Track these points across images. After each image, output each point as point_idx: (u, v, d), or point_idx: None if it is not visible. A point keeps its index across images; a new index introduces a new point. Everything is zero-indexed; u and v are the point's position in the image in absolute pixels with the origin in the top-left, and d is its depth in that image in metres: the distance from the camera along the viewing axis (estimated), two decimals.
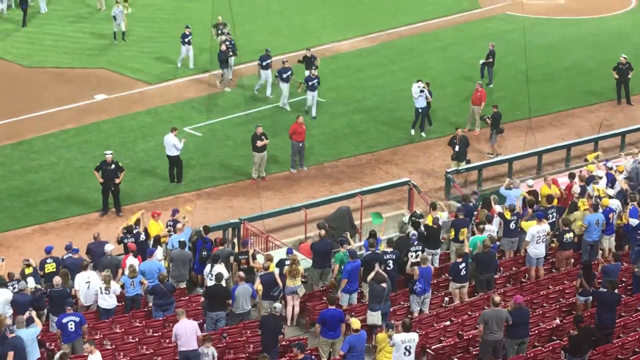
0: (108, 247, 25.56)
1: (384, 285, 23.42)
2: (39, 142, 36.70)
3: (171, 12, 51.79)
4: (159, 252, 25.85)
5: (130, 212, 30.73)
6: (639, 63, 42.58)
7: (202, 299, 24.28)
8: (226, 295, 23.68)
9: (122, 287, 24.35)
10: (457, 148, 34.06)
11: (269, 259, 24.72)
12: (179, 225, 26.79)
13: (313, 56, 40.61)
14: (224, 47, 40.53)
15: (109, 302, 23.98)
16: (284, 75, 39.09)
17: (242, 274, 24.24)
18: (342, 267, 24.81)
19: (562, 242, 26.48)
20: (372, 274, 23.82)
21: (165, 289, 23.98)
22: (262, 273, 24.54)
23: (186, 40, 42.94)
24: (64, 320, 22.33)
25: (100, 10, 50.80)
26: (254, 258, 25.57)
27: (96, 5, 51.24)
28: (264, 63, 39.97)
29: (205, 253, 26.23)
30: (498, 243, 26.78)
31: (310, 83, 38.35)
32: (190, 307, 24.60)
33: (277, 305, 22.98)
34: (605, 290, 23.46)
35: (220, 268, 24.58)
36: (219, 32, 42.56)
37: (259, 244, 28.57)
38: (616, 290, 23.68)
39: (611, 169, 30.54)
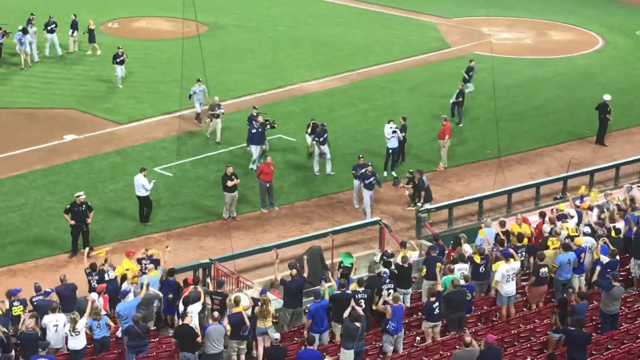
0: (93, 296, 25.24)
1: (357, 324, 23.30)
2: (8, 183, 36.44)
3: (142, 51, 51.87)
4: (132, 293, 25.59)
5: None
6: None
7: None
8: (193, 335, 23.46)
9: (90, 329, 24.06)
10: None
11: (237, 300, 24.53)
12: (150, 266, 26.60)
13: (322, 124, 39.00)
14: (260, 119, 38.22)
15: (77, 341, 23.50)
16: (321, 139, 37.89)
17: (216, 313, 24.05)
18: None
19: (538, 277, 26.10)
20: (347, 312, 23.70)
21: (139, 331, 23.71)
22: (229, 313, 24.36)
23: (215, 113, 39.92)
24: None
25: (70, 53, 51.17)
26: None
27: (68, 47, 51.34)
28: (321, 138, 37.90)
29: (171, 295, 26.00)
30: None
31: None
32: (160, 348, 24.36)
33: (277, 335, 23.26)
34: (574, 328, 23.43)
35: (194, 308, 24.43)
36: (214, 113, 40.39)
37: (230, 285, 28.40)
38: (584, 329, 23.66)
39: (578, 207, 30.62)
